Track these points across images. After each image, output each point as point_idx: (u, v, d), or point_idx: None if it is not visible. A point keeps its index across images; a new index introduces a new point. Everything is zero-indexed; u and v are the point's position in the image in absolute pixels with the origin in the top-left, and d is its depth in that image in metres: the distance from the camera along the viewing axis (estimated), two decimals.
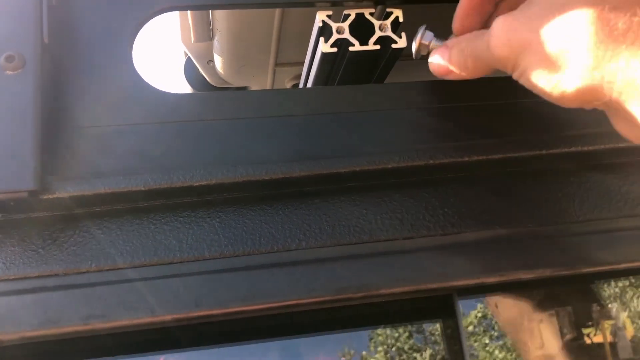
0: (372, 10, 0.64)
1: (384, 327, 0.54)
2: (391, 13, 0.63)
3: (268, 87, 1.10)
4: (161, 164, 0.54)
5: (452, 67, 0.51)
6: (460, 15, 0.54)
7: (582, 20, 0.39)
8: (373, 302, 0.52)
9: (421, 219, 0.56)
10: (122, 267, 0.51)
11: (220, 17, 0.91)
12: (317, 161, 0.55)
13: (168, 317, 0.48)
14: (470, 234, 0.55)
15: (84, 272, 0.50)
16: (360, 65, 0.68)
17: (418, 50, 0.57)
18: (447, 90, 0.60)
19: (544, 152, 0.57)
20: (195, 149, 0.55)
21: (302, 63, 1.05)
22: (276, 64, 1.02)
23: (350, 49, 0.64)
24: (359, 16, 0.64)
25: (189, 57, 1.14)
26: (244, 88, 1.15)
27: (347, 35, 0.63)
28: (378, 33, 0.63)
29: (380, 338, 0.54)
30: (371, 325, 0.55)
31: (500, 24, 0.44)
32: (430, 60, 0.54)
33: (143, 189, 0.52)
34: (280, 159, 0.55)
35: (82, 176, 0.52)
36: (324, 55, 0.64)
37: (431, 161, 0.56)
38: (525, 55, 0.43)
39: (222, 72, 1.07)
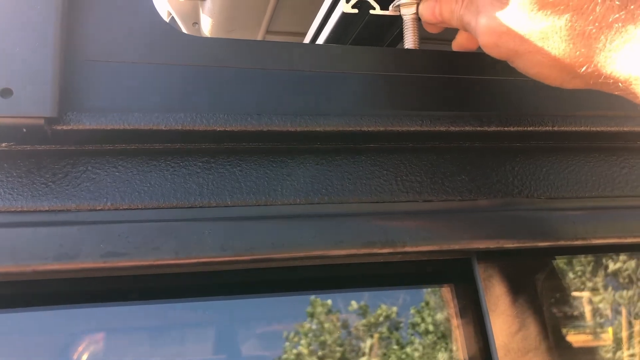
0: None
1: (404, 287, 0.54)
2: None
3: None
4: (182, 105, 0.51)
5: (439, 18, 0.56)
6: None
7: (556, 21, 0.43)
8: (396, 260, 0.51)
9: (439, 183, 0.56)
10: (140, 208, 0.48)
11: None
12: (341, 117, 0.54)
13: (193, 260, 0.46)
14: (485, 201, 0.56)
15: (99, 210, 0.47)
16: (376, 31, 0.67)
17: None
18: (471, 62, 0.61)
19: (555, 128, 0.59)
20: (217, 94, 0.52)
21: (293, 33, 1.04)
22: (267, 32, 1.00)
23: (371, 12, 0.63)
24: None
25: (172, 17, 1.10)
26: None
27: None
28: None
29: (400, 298, 0.54)
30: (393, 285, 0.54)
31: (486, 27, 0.48)
32: (421, 5, 0.59)
33: (163, 128, 0.50)
34: (305, 112, 0.53)
35: (99, 110, 0.49)
36: (343, 15, 0.63)
37: (452, 128, 0.56)
38: (516, 59, 0.48)
39: (208, 36, 1.03)
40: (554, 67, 0.46)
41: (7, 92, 0.45)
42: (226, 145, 0.53)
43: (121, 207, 0.48)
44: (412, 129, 0.55)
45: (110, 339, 0.49)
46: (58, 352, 0.48)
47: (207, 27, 1.02)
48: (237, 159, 0.53)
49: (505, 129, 0.57)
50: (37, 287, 0.47)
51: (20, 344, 0.48)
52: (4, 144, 0.48)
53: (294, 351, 0.54)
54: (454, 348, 0.56)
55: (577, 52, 0.43)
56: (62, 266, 0.44)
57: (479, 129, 0.57)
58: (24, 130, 0.46)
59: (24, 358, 0.47)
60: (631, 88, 0.43)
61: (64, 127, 0.47)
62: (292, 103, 0.54)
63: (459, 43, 0.62)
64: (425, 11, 0.58)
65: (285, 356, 0.53)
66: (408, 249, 0.50)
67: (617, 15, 0.41)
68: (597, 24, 0.42)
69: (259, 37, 1.02)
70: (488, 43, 0.49)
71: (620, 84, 0.43)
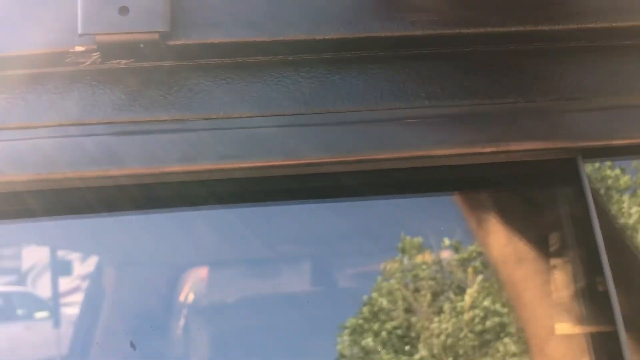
0: None
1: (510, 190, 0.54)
2: None
3: None
4: (281, 17, 0.53)
5: None
6: None
7: None
8: (499, 160, 0.51)
9: (540, 83, 0.54)
10: (249, 116, 0.51)
11: None
12: (440, 20, 0.53)
13: (302, 161, 0.48)
14: (591, 99, 0.54)
15: (214, 119, 0.51)
16: None
17: None
18: None
19: None
20: (315, 4, 0.53)
21: None
22: None
23: None
24: None
25: None
26: None
27: None
28: None
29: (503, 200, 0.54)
30: (493, 188, 0.55)
31: None
32: None
33: (267, 40, 0.52)
34: (400, 17, 0.53)
35: (208, 25, 0.51)
36: None
37: (556, 27, 0.54)
38: None
39: None
40: None
41: (124, 10, 0.48)
42: (326, 54, 0.55)
43: (233, 116, 0.51)
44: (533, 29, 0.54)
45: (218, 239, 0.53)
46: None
47: None
48: (337, 67, 0.54)
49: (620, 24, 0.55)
50: (161, 190, 0.51)
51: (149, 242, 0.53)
52: (123, 62, 0.52)
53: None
54: (560, 251, 0.56)
55: None
56: (185, 168, 0.48)
57: (582, 26, 0.54)
58: (141, 45, 0.50)
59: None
60: None
61: (177, 42, 0.51)
62: (384, 8, 0.54)
63: None
64: None
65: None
66: (512, 147, 0.50)
67: None
68: None
69: None
70: None
71: None
